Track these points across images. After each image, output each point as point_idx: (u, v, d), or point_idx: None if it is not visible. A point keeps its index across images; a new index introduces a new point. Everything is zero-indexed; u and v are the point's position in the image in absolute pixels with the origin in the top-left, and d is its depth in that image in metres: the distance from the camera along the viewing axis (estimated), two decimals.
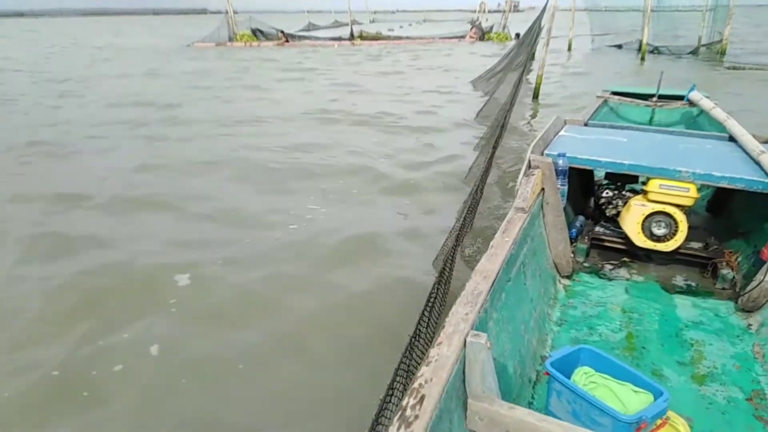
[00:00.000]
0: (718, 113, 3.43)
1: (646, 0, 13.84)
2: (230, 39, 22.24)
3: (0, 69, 13.25)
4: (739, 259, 2.45)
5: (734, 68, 11.85)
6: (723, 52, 13.69)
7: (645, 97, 4.40)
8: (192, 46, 21.23)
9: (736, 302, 2.21)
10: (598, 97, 4.46)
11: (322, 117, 6.90)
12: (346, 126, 6.42)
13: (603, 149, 2.63)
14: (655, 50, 15.75)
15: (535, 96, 7.77)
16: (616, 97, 4.48)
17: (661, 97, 4.29)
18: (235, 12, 23.60)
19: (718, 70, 12.12)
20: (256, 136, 5.92)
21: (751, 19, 30.34)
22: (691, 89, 4.12)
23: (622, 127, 3.35)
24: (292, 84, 10.36)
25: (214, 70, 13.06)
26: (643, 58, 14.19)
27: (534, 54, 9.12)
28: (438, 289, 1.83)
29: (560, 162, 2.45)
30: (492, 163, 3.51)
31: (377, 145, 5.52)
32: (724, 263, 2.41)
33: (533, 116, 6.91)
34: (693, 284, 2.42)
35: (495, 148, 3.59)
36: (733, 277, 2.36)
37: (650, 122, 4.27)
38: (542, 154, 2.54)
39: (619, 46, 17.77)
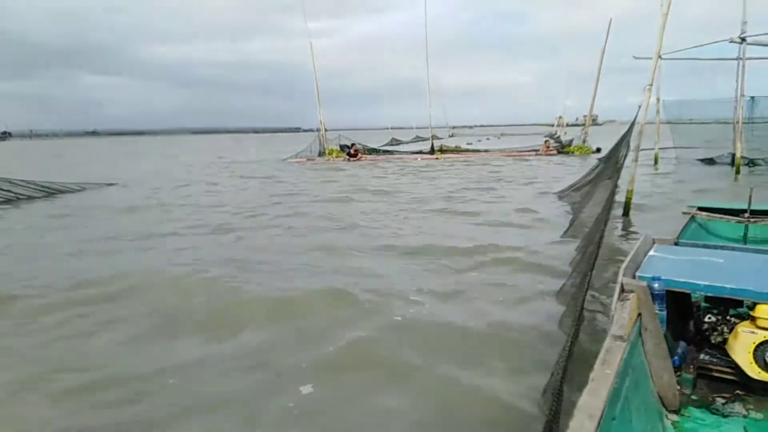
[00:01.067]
0: None
1: (737, 112, 13.55)
2: (320, 154, 24.27)
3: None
4: None
5: None
6: None
7: (736, 212, 4.22)
8: (287, 161, 23.36)
9: None
10: (684, 213, 4.33)
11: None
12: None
13: (699, 271, 2.53)
14: (751, 163, 15.07)
15: (626, 212, 7.55)
16: (704, 213, 4.32)
17: (754, 212, 4.09)
18: (326, 129, 26.02)
19: None
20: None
21: None
22: None
23: (716, 246, 3.19)
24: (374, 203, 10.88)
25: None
26: (737, 172, 13.58)
27: (619, 169, 9.05)
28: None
29: (656, 285, 2.34)
30: (588, 284, 3.40)
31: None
32: None
33: (626, 235, 6.68)
34: None
35: (592, 268, 3.51)
36: None
37: (744, 239, 4.07)
38: (634, 276, 2.45)
39: (711, 160, 17.21)
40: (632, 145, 7.04)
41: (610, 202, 5.49)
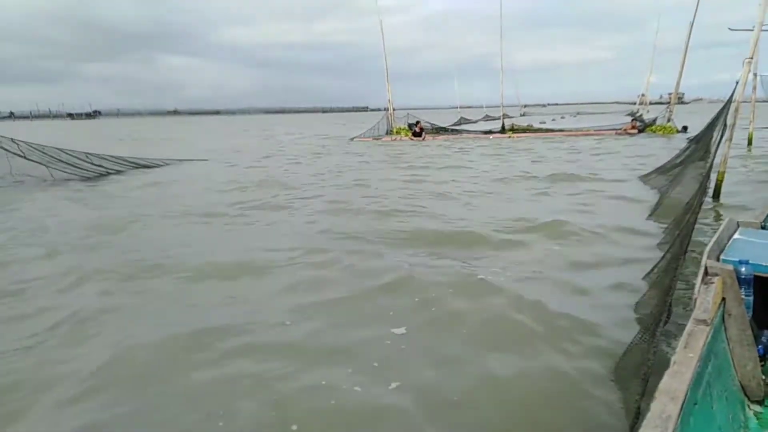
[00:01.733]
0: None
1: None
2: (388, 133, 24.32)
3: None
4: None
5: None
6: None
7: None
8: (354, 140, 23.56)
9: None
10: None
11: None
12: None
13: None
14: None
15: (716, 195, 7.12)
16: None
17: None
18: (394, 109, 26.01)
19: None
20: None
21: None
22: None
23: None
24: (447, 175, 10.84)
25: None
26: None
27: (709, 150, 8.45)
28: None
29: (743, 269, 2.27)
30: (679, 269, 3.29)
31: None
32: None
33: (716, 218, 6.32)
34: None
35: (684, 253, 3.39)
36: None
37: None
38: (718, 259, 2.39)
39: None
40: (729, 123, 6.54)
41: (703, 185, 5.21)
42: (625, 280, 4.16)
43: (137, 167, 13.36)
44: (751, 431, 1.99)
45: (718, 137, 6.94)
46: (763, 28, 14.06)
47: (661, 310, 2.78)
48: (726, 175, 7.31)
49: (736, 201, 7.13)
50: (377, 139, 22.95)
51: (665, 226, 5.60)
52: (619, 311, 3.57)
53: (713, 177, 7.19)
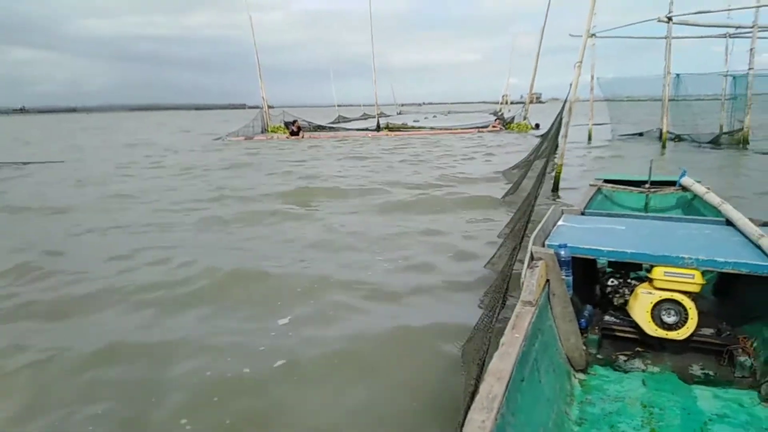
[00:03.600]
0: (712, 198, 3.52)
1: (664, 90, 14.29)
2: (263, 131, 23.47)
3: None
4: (755, 344, 2.37)
5: (764, 153, 12.13)
6: (745, 140, 13.81)
7: (638, 183, 4.48)
8: (223, 140, 21.41)
9: (759, 391, 2.11)
10: (591, 185, 4.55)
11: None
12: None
13: (603, 238, 2.68)
14: (676, 138, 16.01)
15: (555, 188, 7.65)
16: (609, 185, 4.56)
17: (654, 183, 4.35)
18: (270, 107, 25.21)
19: (747, 155, 12.32)
20: None
21: None
22: (682, 174, 4.22)
23: (618, 215, 3.40)
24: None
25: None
26: (663, 146, 14.39)
27: (557, 145, 9.29)
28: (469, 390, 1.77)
29: (562, 253, 2.47)
30: (516, 256, 3.49)
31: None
32: (740, 350, 2.32)
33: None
34: (711, 373, 2.32)
35: (521, 240, 3.61)
36: (752, 365, 2.27)
37: (645, 209, 4.33)
38: (543, 245, 2.57)
39: (640, 134, 18.17)
40: (564, 121, 7.25)
41: (540, 178, 5.69)
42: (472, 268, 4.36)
43: None
44: (576, 398, 2.15)
45: (557, 132, 7.66)
46: (597, 35, 15.99)
47: (498, 296, 2.92)
48: (567, 168, 8.00)
49: (573, 193, 7.81)
50: (249, 139, 21.50)
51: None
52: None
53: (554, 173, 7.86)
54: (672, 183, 4.32)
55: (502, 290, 2.99)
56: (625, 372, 2.37)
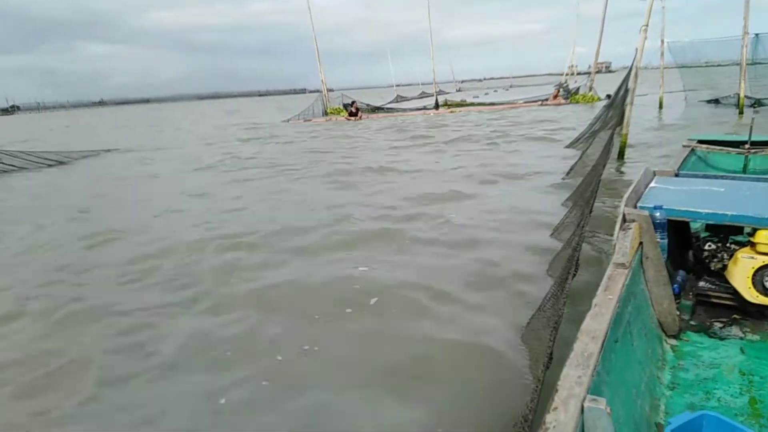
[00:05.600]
0: None
1: (742, 51, 13.33)
2: (324, 114, 24.21)
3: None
4: None
5: None
6: None
7: (736, 144, 4.21)
8: (289, 122, 23.41)
9: None
10: (684, 146, 4.28)
11: None
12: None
13: (700, 200, 2.55)
14: (756, 103, 14.88)
15: (620, 155, 7.58)
16: (704, 145, 4.30)
17: (754, 143, 4.07)
18: (330, 90, 25.82)
19: None
20: None
21: None
22: None
23: (716, 176, 3.19)
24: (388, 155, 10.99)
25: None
26: (741, 112, 13.47)
27: (623, 113, 9.03)
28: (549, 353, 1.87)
29: (657, 215, 2.36)
30: (587, 220, 3.52)
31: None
32: None
33: (620, 176, 6.83)
34: None
35: (592, 205, 3.62)
36: None
37: (744, 170, 4.09)
38: (635, 206, 2.48)
39: (716, 101, 17.01)
40: (630, 87, 7.04)
41: (608, 147, 5.62)
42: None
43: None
44: (668, 363, 2.11)
45: (623, 101, 7.45)
46: None
47: (570, 264, 2.89)
48: (633, 137, 7.80)
49: (639, 159, 7.65)
50: (308, 121, 22.85)
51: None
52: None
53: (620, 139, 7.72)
54: None
55: (572, 259, 2.94)
56: (721, 339, 2.29)
